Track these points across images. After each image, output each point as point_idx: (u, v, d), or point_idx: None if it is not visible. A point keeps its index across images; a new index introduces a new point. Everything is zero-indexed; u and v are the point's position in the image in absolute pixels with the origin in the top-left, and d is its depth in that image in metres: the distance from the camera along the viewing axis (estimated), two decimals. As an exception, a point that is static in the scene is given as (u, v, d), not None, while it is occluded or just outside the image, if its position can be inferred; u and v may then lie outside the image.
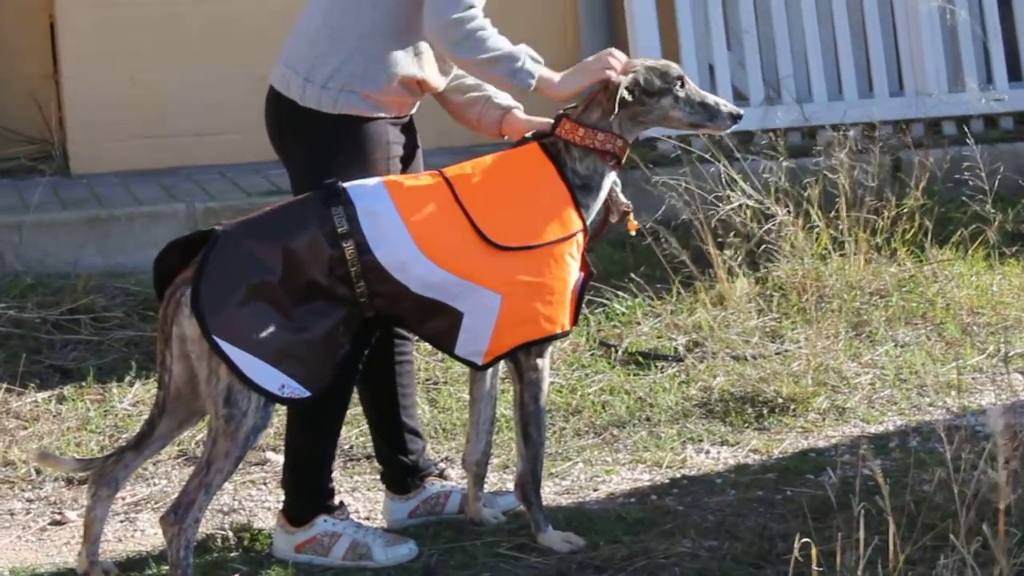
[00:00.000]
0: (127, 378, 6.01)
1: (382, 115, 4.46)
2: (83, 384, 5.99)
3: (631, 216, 4.57)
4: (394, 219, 4.26)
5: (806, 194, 6.72)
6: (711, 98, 4.46)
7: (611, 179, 4.48)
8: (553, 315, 4.36)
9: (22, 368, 5.99)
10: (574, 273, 4.39)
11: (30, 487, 5.22)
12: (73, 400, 5.86)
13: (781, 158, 6.94)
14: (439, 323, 4.31)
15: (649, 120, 4.47)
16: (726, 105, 4.46)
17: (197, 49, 8.10)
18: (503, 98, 4.63)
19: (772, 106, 8.13)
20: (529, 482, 4.52)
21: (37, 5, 8.30)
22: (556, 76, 4.43)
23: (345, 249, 4.22)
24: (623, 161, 4.49)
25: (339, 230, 4.22)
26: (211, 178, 7.81)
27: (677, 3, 8.06)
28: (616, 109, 4.39)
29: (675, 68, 4.47)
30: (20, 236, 6.98)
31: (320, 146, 4.44)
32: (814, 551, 3.67)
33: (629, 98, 4.40)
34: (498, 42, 4.35)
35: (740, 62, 8.32)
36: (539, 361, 4.44)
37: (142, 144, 8.08)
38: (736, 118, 4.45)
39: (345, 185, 4.29)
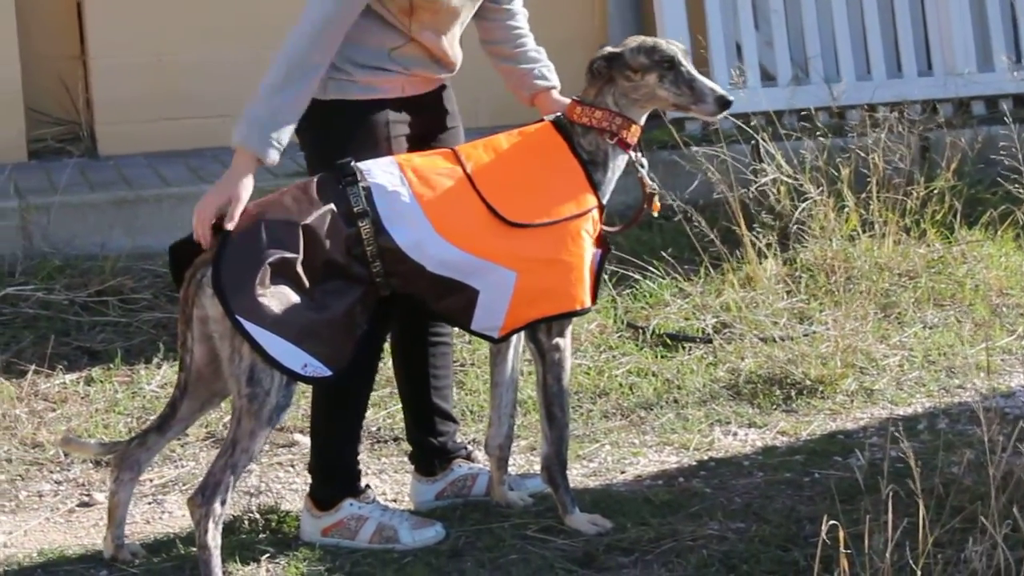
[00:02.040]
0: (155, 360, 6.02)
1: (377, 96, 4.42)
2: (111, 366, 6.00)
3: (656, 199, 4.55)
4: (408, 197, 4.26)
5: (837, 174, 6.70)
6: (701, 81, 4.40)
7: (622, 158, 4.45)
8: (570, 291, 4.35)
9: (50, 350, 6.00)
10: (590, 249, 4.38)
11: (58, 469, 5.23)
12: (101, 382, 5.88)
13: (817, 134, 6.92)
14: (455, 301, 4.31)
15: (640, 98, 4.42)
16: (715, 89, 4.41)
17: (225, 29, 8.10)
18: (543, 76, 4.61)
19: (800, 86, 8.10)
20: (555, 464, 4.51)
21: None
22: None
23: (361, 228, 4.22)
24: (631, 141, 4.45)
25: (355, 209, 4.22)
26: (238, 159, 7.79)
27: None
28: (589, 82, 4.40)
29: (667, 49, 4.40)
30: (48, 218, 6.99)
31: (321, 132, 4.42)
32: (841, 534, 3.65)
33: (601, 71, 4.39)
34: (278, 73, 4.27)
35: (768, 41, 8.29)
36: (560, 341, 4.43)
37: (169, 125, 8.08)
38: (725, 104, 4.39)
39: (359, 164, 4.28)
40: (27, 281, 6.55)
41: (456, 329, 4.68)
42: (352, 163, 4.28)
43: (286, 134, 4.27)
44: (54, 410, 5.64)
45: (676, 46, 4.44)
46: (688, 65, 4.41)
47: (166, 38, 8.07)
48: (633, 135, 4.45)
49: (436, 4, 4.36)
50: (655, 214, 4.58)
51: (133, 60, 8.04)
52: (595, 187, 4.41)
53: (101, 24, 8.09)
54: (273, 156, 4.25)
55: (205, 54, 8.08)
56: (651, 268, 6.63)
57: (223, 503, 4.17)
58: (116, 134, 8.05)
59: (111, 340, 6.25)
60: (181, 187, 7.28)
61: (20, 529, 4.80)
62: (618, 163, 4.46)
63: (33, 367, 5.90)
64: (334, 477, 4.53)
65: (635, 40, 4.47)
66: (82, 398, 5.75)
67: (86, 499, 5.01)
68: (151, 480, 5.09)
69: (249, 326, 4.10)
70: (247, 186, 4.25)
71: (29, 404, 5.67)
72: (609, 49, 4.46)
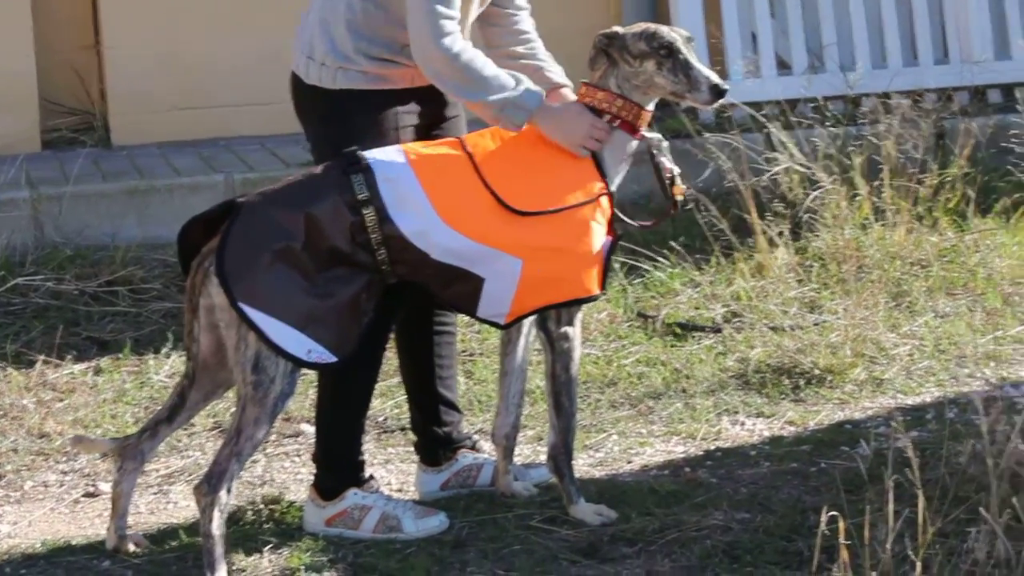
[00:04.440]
0: (164, 350, 6.02)
1: (387, 87, 4.43)
2: (120, 356, 6.01)
3: (678, 181, 4.52)
4: (414, 186, 4.25)
5: (850, 162, 6.67)
6: (698, 70, 4.37)
7: (629, 143, 4.43)
8: (578, 279, 4.33)
9: (59, 340, 6.02)
10: (599, 237, 4.35)
11: (64, 459, 5.23)
12: (110, 372, 5.88)
13: (828, 123, 6.89)
14: (461, 289, 4.30)
15: (640, 84, 4.40)
16: (711, 78, 4.37)
17: (237, 19, 8.09)
18: (555, 73, 4.59)
19: (816, 74, 8.06)
20: (561, 454, 4.50)
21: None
22: (547, 116, 4.36)
23: (365, 216, 4.21)
24: (639, 125, 4.43)
25: (359, 197, 4.22)
26: (250, 149, 7.81)
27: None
28: (592, 63, 4.41)
29: (666, 36, 4.38)
30: (60, 208, 6.99)
31: (329, 121, 4.44)
32: (842, 524, 3.63)
33: (601, 48, 4.39)
34: (484, 70, 4.30)
35: (783, 30, 8.25)
36: (568, 330, 4.42)
37: (182, 115, 8.08)
38: (719, 93, 4.36)
39: (365, 153, 4.28)
40: (37, 271, 6.55)
41: (464, 317, 4.67)
42: (357, 151, 4.28)
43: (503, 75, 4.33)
44: (62, 400, 5.65)
45: (678, 33, 4.42)
46: (687, 53, 4.38)
47: (180, 29, 8.07)
48: (640, 120, 4.43)
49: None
50: (679, 198, 4.53)
51: (147, 51, 8.04)
52: (603, 173, 4.39)
53: (116, 15, 8.09)
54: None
55: (218, 45, 8.08)
56: (662, 257, 6.61)
57: (228, 492, 4.17)
58: (129, 124, 8.05)
59: (120, 330, 6.25)
60: (193, 177, 7.29)
61: (25, 519, 4.80)
62: (624, 148, 4.43)
63: (42, 357, 5.91)
64: (338, 467, 4.53)
65: (639, 26, 4.45)
66: (90, 388, 5.75)
67: (91, 490, 5.00)
68: (157, 470, 5.09)
69: (252, 313, 4.10)
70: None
71: (37, 394, 5.68)
72: (604, 32, 4.44)
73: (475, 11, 4.50)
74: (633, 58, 4.39)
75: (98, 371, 5.88)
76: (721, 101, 4.40)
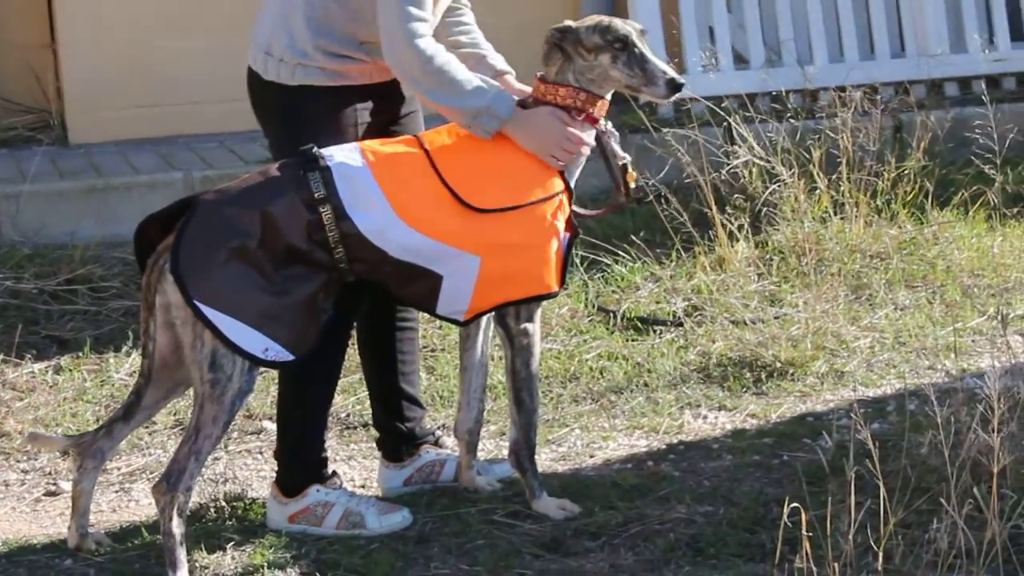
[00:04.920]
0: (124, 348, 6.00)
1: (345, 83, 4.42)
2: (80, 355, 5.98)
3: (630, 168, 4.52)
4: (370, 184, 4.24)
5: (809, 156, 6.69)
6: (654, 63, 4.36)
7: (590, 134, 4.41)
8: (536, 275, 4.33)
9: (18, 339, 5.98)
10: (558, 233, 4.36)
11: (25, 458, 5.21)
12: (70, 371, 5.85)
13: (788, 116, 6.91)
14: (419, 287, 4.30)
15: (596, 78, 4.39)
16: (667, 72, 4.37)
17: (194, 16, 8.07)
18: (498, 61, 4.59)
19: (773, 68, 8.09)
20: (523, 449, 4.50)
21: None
22: (519, 125, 4.34)
23: (322, 214, 4.19)
24: (598, 115, 4.42)
25: (316, 195, 4.20)
26: (209, 147, 7.79)
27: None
28: (546, 58, 4.39)
29: (621, 28, 4.37)
30: (17, 206, 6.97)
31: (287, 117, 4.42)
32: (804, 516, 3.65)
33: (555, 43, 4.37)
34: (458, 75, 4.29)
35: (740, 24, 8.28)
36: (528, 326, 4.42)
37: (140, 113, 8.06)
38: (676, 87, 4.35)
39: (321, 151, 4.26)
40: (-5, 270, 6.52)
41: (423, 314, 4.67)
42: (314, 149, 4.26)
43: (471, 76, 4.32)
44: (22, 399, 5.62)
45: (631, 26, 4.41)
46: (642, 46, 4.37)
47: (136, 26, 8.04)
48: (600, 110, 4.43)
49: None
50: (632, 184, 4.53)
51: (103, 48, 8.01)
52: (561, 170, 4.39)
53: (71, 12, 8.05)
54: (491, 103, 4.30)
55: (175, 42, 8.06)
56: (622, 252, 6.62)
57: (187, 490, 4.16)
58: (86, 122, 8.03)
59: (80, 328, 6.23)
60: (151, 175, 7.28)
61: (-14, 518, 4.79)
62: (587, 140, 4.43)
63: (1, 356, 5.88)
64: (300, 464, 4.51)
65: (592, 19, 4.44)
66: (50, 387, 5.73)
67: (52, 488, 4.98)
68: (118, 468, 5.07)
69: (208, 311, 4.09)
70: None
71: (-3, 393, 5.65)
72: (558, 26, 4.44)
73: (441, 10, 4.49)
74: (588, 52, 4.38)
75: (58, 370, 5.86)
76: (678, 95, 4.39)
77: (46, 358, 5.95)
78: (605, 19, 4.43)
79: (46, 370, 5.85)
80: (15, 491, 4.99)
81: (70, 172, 7.37)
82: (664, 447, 5.10)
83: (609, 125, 4.50)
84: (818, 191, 6.69)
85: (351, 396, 5.51)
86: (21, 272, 6.52)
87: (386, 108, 4.53)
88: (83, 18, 8.02)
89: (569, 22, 4.45)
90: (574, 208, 4.47)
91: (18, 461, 5.20)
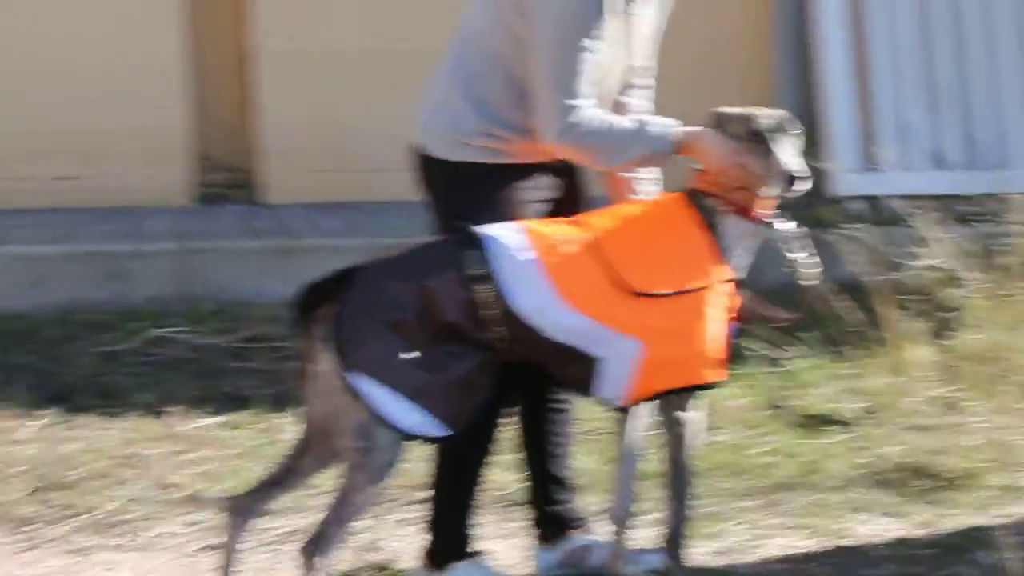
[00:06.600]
0: (297, 409, 6.04)
1: (508, 161, 4.42)
2: (254, 412, 6.04)
3: (807, 271, 4.43)
4: (532, 264, 4.23)
5: (999, 262, 6.56)
6: (776, 156, 4.27)
7: (741, 225, 4.33)
8: (696, 364, 4.28)
9: (194, 392, 6.07)
10: (718, 322, 4.30)
11: (189, 511, 5.27)
12: (241, 427, 5.92)
13: (972, 221, 6.80)
14: (577, 369, 4.26)
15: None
16: (787, 165, 4.26)
17: (390, 83, 8.17)
18: None
19: (970, 171, 7.97)
20: (673, 540, 4.44)
21: (232, 33, 8.45)
22: (697, 139, 4.33)
23: (482, 292, 4.20)
24: (750, 207, 4.34)
25: (476, 272, 4.20)
26: (392, 214, 7.86)
27: (872, 63, 7.94)
28: None
29: (758, 120, 4.31)
30: (205, 262, 7.09)
31: (448, 194, 4.45)
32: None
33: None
34: (616, 123, 4.29)
35: (937, 123, 8.18)
36: (682, 415, 4.37)
37: (329, 176, 8.18)
38: (792, 180, 4.28)
39: (483, 228, 4.27)
40: (178, 323, 6.63)
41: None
42: (477, 226, 4.27)
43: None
44: (191, 452, 5.69)
45: (777, 118, 4.34)
46: (780, 139, 4.30)
47: (332, 94, 8.17)
48: (752, 202, 4.35)
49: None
50: (809, 288, 4.44)
51: (298, 111, 8.15)
52: (727, 257, 4.34)
53: (268, 74, 8.22)
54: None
55: (367, 110, 8.16)
56: (799, 347, 6.53)
57: (330, 556, 4.17)
58: (279, 182, 8.16)
59: (256, 387, 6.29)
60: (335, 239, 7.36)
61: (142, 567, 4.84)
62: (737, 231, 4.36)
63: (173, 409, 5.96)
64: (447, 538, 4.52)
65: (743, 109, 4.39)
66: (220, 443, 5.79)
67: (212, 542, 5.02)
68: (276, 528, 5.10)
69: (362, 381, 4.10)
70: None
71: (168, 445, 5.73)
72: (724, 109, 4.40)
73: (621, 77, 4.47)
74: (732, 140, 4.35)
75: (230, 426, 5.93)
76: (798, 189, 4.31)
77: (220, 413, 6.03)
78: (755, 110, 4.37)
79: (218, 425, 5.92)
80: (176, 542, 5.05)
81: (259, 231, 7.49)
82: (824, 550, 4.99)
83: (791, 226, 4.42)
84: (1007, 299, 6.54)
85: (517, 473, 5.48)
86: (203, 327, 6.63)
87: (548, 186, 4.52)
88: (280, 79, 8.17)
89: (724, 108, 4.40)
90: (761, 310, 4.42)
91: (182, 514, 5.26)
